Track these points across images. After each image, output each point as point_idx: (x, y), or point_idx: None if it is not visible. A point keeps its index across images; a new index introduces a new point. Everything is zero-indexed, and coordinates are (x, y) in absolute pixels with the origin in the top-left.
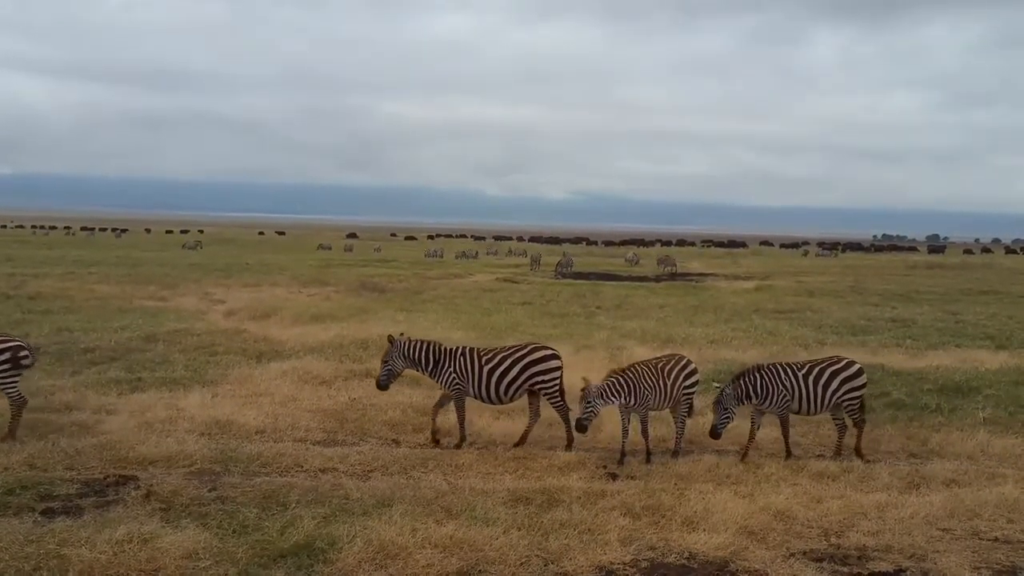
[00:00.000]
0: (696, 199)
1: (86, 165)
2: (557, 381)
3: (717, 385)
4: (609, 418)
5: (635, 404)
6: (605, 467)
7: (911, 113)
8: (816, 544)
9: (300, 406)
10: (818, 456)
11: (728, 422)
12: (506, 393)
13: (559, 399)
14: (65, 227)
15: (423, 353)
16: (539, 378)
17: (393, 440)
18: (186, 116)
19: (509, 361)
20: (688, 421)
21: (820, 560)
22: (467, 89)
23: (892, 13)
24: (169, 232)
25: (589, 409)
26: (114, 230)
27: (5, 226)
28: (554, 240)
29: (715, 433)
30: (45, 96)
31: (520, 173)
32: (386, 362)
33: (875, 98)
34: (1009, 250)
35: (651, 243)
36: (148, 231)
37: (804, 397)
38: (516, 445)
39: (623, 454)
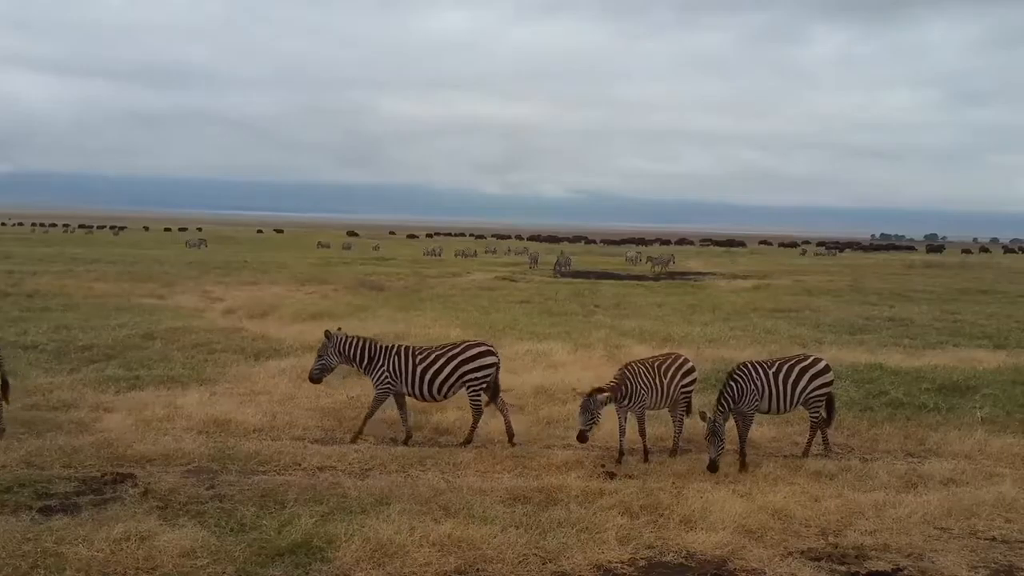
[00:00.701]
0: (695, 197)
1: (85, 163)
2: (490, 379)
3: (703, 412)
4: (607, 417)
5: (631, 403)
6: (603, 466)
7: (910, 112)
8: (814, 543)
9: (298, 404)
10: (816, 455)
11: (723, 449)
12: (439, 391)
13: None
14: (64, 225)
15: (358, 349)
16: (472, 376)
17: (391, 439)
18: (185, 114)
19: (443, 360)
20: (686, 420)
21: (818, 559)
22: (466, 87)
23: (892, 12)
24: (167, 230)
25: (591, 421)
26: (112, 227)
27: (4, 223)
28: (553, 238)
29: (714, 467)
30: (45, 94)
31: (519, 171)
32: (321, 357)
33: (874, 97)
34: (1007, 249)
35: (650, 242)
36: (147, 229)
37: (773, 395)
38: (510, 443)
39: (621, 453)
